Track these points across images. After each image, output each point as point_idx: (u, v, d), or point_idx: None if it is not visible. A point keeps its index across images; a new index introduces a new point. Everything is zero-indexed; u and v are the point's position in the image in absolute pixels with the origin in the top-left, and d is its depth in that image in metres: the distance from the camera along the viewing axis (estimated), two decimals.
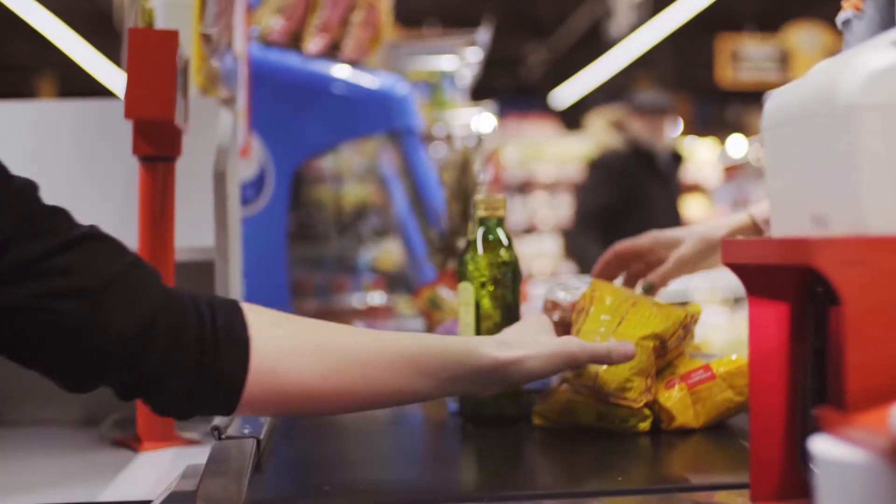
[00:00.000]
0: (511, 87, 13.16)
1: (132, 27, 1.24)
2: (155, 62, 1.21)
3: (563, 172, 7.40)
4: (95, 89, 11.09)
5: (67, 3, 8.61)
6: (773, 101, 0.80)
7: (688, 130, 10.42)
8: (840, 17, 1.15)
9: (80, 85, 11.08)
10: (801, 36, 7.82)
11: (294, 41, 2.35)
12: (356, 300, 2.66)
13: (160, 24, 1.52)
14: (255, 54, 2.08)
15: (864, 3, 1.12)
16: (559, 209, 7.38)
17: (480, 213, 1.21)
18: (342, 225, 2.80)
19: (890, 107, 0.67)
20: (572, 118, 12.32)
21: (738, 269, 0.82)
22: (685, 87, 11.98)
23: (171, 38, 1.23)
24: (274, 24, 2.30)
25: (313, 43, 2.34)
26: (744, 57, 7.77)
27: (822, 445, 0.60)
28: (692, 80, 11.86)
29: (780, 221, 0.79)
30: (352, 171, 2.92)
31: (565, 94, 12.64)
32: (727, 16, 9.19)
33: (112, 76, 10.78)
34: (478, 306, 1.19)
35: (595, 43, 9.39)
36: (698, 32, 9.00)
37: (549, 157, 7.43)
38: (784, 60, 7.84)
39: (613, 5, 7.15)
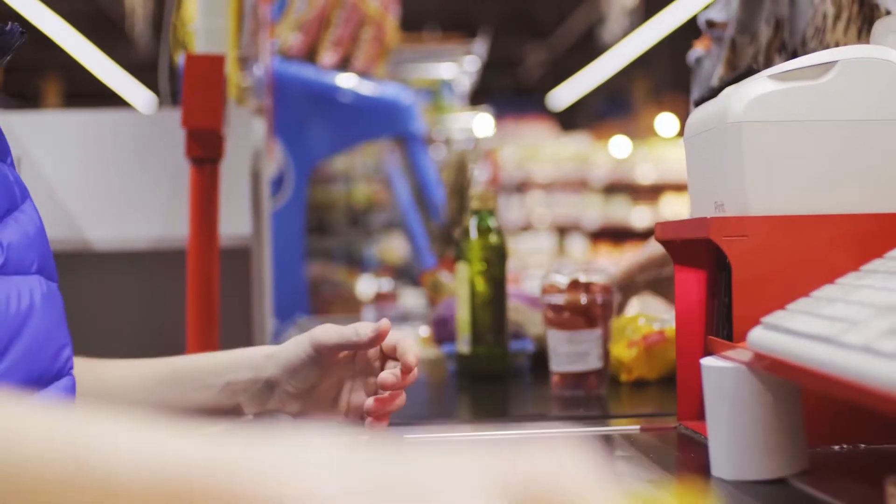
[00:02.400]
0: (510, 87, 13.36)
1: (189, 54, 1.49)
2: (206, 82, 1.47)
3: (559, 172, 7.65)
4: (100, 91, 11.32)
5: (71, 5, 8.83)
6: (691, 117, 1.05)
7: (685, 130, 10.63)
8: (691, 55, 1.42)
9: (84, 86, 11.31)
10: None
11: (310, 54, 2.61)
12: (366, 287, 2.92)
13: (200, 44, 1.77)
14: (277, 67, 2.34)
15: (712, 44, 1.39)
16: (555, 208, 7.63)
17: (474, 205, 1.47)
18: (352, 219, 3.05)
19: (765, 123, 0.92)
20: (569, 119, 12.53)
21: (667, 244, 1.08)
22: (683, 87, 12.17)
23: (218, 62, 1.48)
24: (293, 39, 2.56)
25: (327, 56, 2.60)
26: None
27: (707, 361, 0.85)
28: (689, 81, 12.03)
29: (695, 207, 1.05)
30: (360, 171, 3.18)
31: (563, 95, 12.84)
32: None
33: (115, 77, 11.02)
34: (472, 283, 1.46)
35: (593, 44, 9.61)
36: (695, 33, 9.20)
37: (545, 158, 7.68)
38: None
39: (606, 11, 7.40)
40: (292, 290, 2.41)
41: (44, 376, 0.84)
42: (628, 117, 12.16)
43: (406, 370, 0.91)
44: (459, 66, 3.53)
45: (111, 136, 1.75)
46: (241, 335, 1.70)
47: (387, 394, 0.93)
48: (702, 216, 1.01)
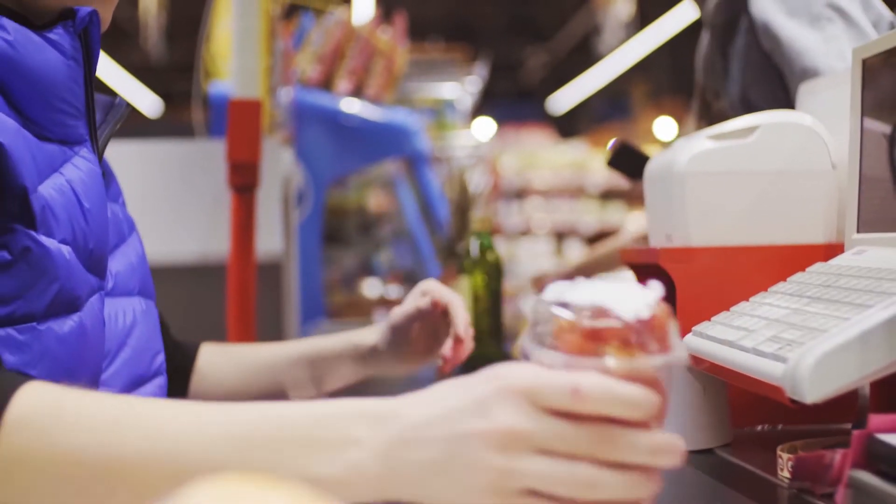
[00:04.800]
0: (511, 91, 13.57)
1: (233, 99, 1.74)
2: (247, 122, 1.73)
3: (557, 179, 7.91)
4: (102, 90, 11.52)
5: None
6: (650, 164, 1.31)
7: (684, 132, 10.86)
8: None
9: None
10: None
11: (327, 83, 2.87)
12: (376, 292, 3.17)
13: (236, 84, 2.02)
14: (297, 94, 2.60)
15: None
16: (554, 214, 7.89)
17: (475, 227, 1.73)
18: (363, 228, 3.32)
19: (703, 173, 1.18)
20: (569, 123, 12.75)
21: (632, 267, 1.33)
22: (682, 91, 12.36)
23: (256, 106, 1.74)
24: (311, 70, 2.82)
25: (342, 84, 2.87)
26: None
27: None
28: (688, 84, 12.14)
29: (652, 237, 1.30)
30: (370, 177, 3.43)
31: (563, 99, 13.04)
32: None
33: (121, 81, 11.24)
34: (474, 294, 1.71)
35: (593, 48, 9.82)
36: (694, 37, 9.39)
37: (544, 165, 7.93)
38: None
39: (602, 23, 7.65)
40: (311, 295, 2.66)
41: (142, 377, 1.03)
42: (627, 121, 12.37)
43: (458, 341, 1.20)
44: (462, 86, 3.79)
45: (159, 164, 2.01)
46: (274, 340, 1.95)
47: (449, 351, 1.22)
48: (656, 245, 1.27)
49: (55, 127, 0.89)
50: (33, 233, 0.82)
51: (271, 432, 0.64)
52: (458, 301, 1.23)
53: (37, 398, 0.67)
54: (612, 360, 0.60)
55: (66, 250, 0.86)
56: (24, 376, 0.70)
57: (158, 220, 1.96)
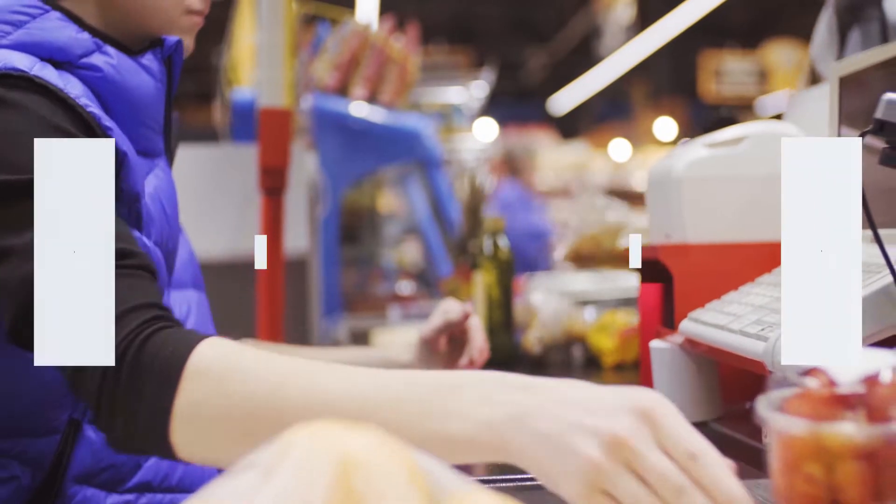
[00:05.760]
0: (512, 91, 13.67)
1: (264, 108, 1.88)
2: (277, 130, 1.86)
3: (559, 180, 8.05)
4: None
5: None
6: (651, 170, 1.45)
7: (684, 134, 10.98)
8: None
9: None
10: (779, 53, 8.46)
11: (343, 89, 3.01)
12: (389, 289, 3.32)
13: (263, 94, 2.15)
14: (316, 101, 2.74)
15: None
16: (556, 214, 8.00)
17: (488, 227, 1.87)
18: (374, 228, 3.47)
19: (698, 178, 1.31)
20: (569, 123, 12.84)
21: None
22: (682, 91, 12.43)
23: (286, 115, 1.88)
24: (328, 76, 2.96)
25: (358, 91, 3.02)
26: (726, 72, 8.40)
27: (653, 343, 1.25)
28: (688, 84, 12.21)
29: (652, 235, 1.44)
30: (381, 183, 3.57)
31: (564, 99, 13.13)
32: (719, 24, 9.75)
33: None
34: (487, 289, 1.85)
35: (593, 49, 9.93)
36: (694, 38, 9.53)
37: (546, 167, 8.06)
38: (763, 76, 8.49)
39: (602, 27, 7.78)
40: (330, 292, 2.80)
41: None
42: (627, 120, 12.48)
43: (471, 363, 1.32)
44: (468, 91, 3.94)
45: (190, 167, 2.14)
46: (299, 333, 2.09)
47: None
48: (656, 242, 1.41)
49: (142, 141, 1.03)
50: (138, 233, 0.96)
51: (420, 393, 0.71)
52: (477, 324, 1.36)
53: (215, 352, 0.77)
54: (850, 427, 0.57)
55: (158, 252, 1.00)
56: (202, 334, 0.79)
57: (190, 220, 2.08)
